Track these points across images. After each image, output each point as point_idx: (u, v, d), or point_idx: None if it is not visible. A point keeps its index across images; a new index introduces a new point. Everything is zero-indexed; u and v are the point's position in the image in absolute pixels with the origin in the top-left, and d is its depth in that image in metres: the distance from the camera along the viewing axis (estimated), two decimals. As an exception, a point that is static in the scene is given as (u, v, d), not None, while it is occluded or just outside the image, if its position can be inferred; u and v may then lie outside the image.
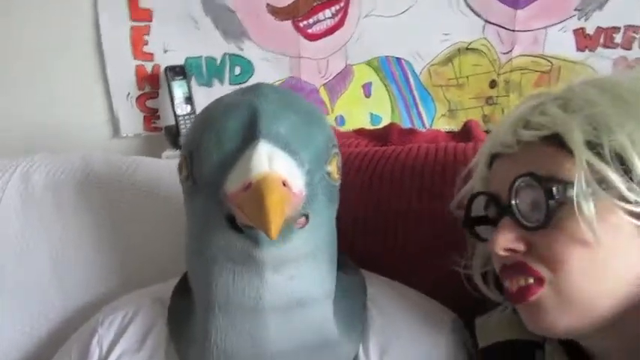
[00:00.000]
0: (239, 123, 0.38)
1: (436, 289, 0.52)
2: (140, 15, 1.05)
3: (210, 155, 0.38)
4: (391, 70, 1.05)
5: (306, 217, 0.39)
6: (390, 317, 0.46)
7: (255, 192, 0.34)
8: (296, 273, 0.40)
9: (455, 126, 1.06)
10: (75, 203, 0.64)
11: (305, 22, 1.04)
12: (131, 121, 1.09)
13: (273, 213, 0.33)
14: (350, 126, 1.04)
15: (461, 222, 0.43)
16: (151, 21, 1.05)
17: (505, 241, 0.38)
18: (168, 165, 0.71)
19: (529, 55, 1.01)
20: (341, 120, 1.08)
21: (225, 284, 0.40)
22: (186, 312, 0.44)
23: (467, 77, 1.03)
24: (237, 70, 1.07)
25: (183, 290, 0.47)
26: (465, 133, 0.72)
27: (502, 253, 0.39)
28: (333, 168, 0.41)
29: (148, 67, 1.07)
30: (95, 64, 1.07)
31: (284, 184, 0.35)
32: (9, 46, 1.03)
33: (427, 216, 0.56)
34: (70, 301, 0.61)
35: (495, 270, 0.43)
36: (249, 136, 0.37)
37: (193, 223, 0.42)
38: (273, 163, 0.36)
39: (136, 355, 0.45)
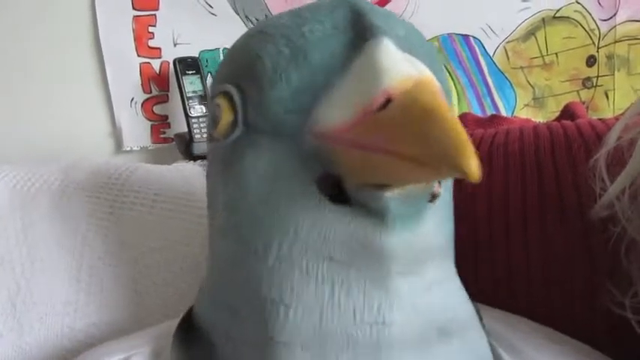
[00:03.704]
0: (330, 25, 0.22)
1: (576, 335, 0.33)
2: (144, 3, 0.82)
3: (283, 78, 0.22)
4: (456, 51, 0.80)
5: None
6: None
7: (410, 105, 0.18)
8: (433, 278, 0.23)
9: (543, 118, 0.79)
10: (48, 220, 0.48)
11: (345, -1, 0.80)
12: (136, 131, 0.84)
13: (460, 131, 0.16)
14: (406, 125, 0.77)
15: None
16: (157, 9, 0.82)
17: None
18: (171, 171, 0.55)
19: (639, 21, 0.75)
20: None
21: (316, 305, 0.22)
22: None
23: (556, 54, 0.77)
24: (264, 64, 0.83)
25: (188, 340, 0.28)
26: (567, 118, 0.48)
27: None
28: None
29: (155, 65, 0.83)
30: (92, 64, 0.84)
31: None
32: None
33: (555, 224, 0.37)
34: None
35: None
36: (356, 39, 0.21)
37: (238, 201, 0.24)
38: (418, 67, 0.20)
39: None
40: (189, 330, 0.28)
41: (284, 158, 0.22)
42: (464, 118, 0.60)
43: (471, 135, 0.46)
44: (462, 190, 0.40)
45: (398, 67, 0.19)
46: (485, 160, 0.42)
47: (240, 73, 0.23)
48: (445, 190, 0.24)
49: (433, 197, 0.22)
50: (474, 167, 0.16)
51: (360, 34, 0.21)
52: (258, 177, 0.22)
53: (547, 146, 0.40)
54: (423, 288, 0.22)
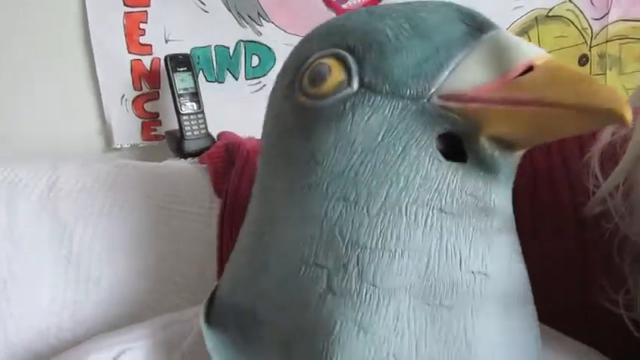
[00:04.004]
0: (442, 16, 0.26)
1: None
2: (136, -1, 0.81)
3: (406, 48, 0.25)
4: (449, 50, 0.79)
5: None
6: None
7: (561, 68, 0.22)
8: (517, 245, 0.26)
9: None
10: (35, 217, 0.47)
11: (338, -4, 0.80)
12: (127, 129, 0.83)
13: (612, 87, 0.21)
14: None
15: None
16: (148, 5, 0.81)
17: None
18: (161, 168, 0.54)
19: (631, 20, 0.75)
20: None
21: (424, 252, 0.23)
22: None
23: (549, 53, 0.77)
24: (255, 61, 0.82)
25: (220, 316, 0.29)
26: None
27: None
28: None
29: (146, 61, 0.82)
30: (82, 60, 0.83)
31: None
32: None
33: (549, 222, 0.37)
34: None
35: None
36: (473, 30, 0.25)
37: (339, 154, 0.25)
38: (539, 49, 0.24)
39: None
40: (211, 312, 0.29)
41: (403, 116, 0.24)
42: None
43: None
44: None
45: (531, 45, 0.23)
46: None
47: (355, 40, 0.26)
48: None
49: None
50: (630, 115, 0.19)
51: (477, 27, 0.25)
52: (370, 131, 0.24)
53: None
54: (514, 250, 0.25)
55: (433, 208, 0.23)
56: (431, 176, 0.23)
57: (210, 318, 0.29)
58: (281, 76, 0.29)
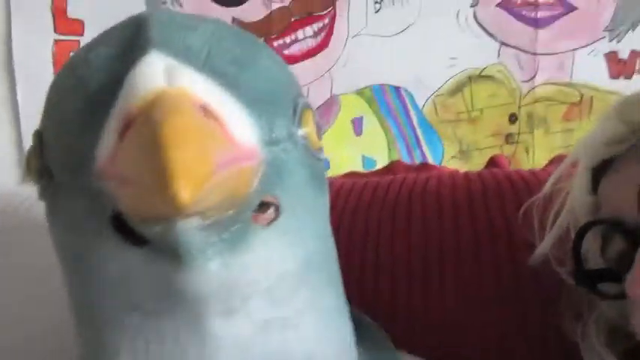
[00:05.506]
0: (114, 45, 0.20)
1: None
2: (68, 27, 0.77)
3: (67, 115, 0.20)
4: (387, 101, 0.81)
5: (276, 207, 0.22)
6: None
7: (140, 126, 0.17)
8: (273, 315, 0.21)
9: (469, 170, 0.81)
10: None
11: (280, 42, 0.79)
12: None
13: (177, 145, 0.15)
14: (336, 171, 0.76)
15: (574, 277, 0.31)
16: (81, 34, 0.77)
17: None
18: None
19: (555, 84, 0.80)
20: (325, 164, 0.80)
21: None
22: None
23: (481, 110, 0.80)
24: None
25: None
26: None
27: None
28: (310, 128, 0.25)
29: (75, 92, 0.78)
30: (1, 86, 0.77)
31: (205, 112, 0.18)
32: None
33: (488, 261, 0.40)
34: None
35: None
36: (130, 58, 0.19)
37: (63, 255, 0.22)
38: (174, 78, 0.18)
39: None
40: None
41: (78, 203, 0.20)
42: (394, 165, 0.61)
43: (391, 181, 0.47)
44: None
45: (144, 82, 0.18)
46: (421, 204, 0.43)
47: (43, 122, 0.22)
48: (295, 206, 0.22)
49: (269, 220, 0.21)
50: (178, 185, 0.15)
51: (135, 51, 0.19)
52: (60, 227, 0.21)
53: (478, 189, 0.43)
54: (255, 328, 0.20)
55: (132, 307, 0.19)
56: (119, 269, 0.19)
57: None
58: None
